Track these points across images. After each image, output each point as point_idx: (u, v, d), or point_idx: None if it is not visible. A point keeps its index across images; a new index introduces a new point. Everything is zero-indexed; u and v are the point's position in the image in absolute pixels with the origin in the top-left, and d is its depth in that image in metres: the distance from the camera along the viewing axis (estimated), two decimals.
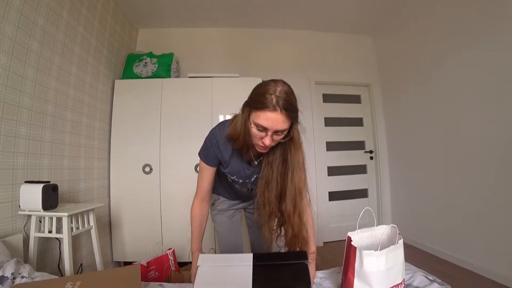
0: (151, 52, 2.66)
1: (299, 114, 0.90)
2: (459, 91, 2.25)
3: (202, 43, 3.13)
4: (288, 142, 0.95)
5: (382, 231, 0.92)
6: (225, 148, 1.04)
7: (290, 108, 0.83)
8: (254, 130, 0.87)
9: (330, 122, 3.27)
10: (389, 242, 0.90)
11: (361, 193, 3.30)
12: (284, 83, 0.87)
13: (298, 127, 0.96)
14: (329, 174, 3.20)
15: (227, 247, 1.37)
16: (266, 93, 0.82)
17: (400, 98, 2.99)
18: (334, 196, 3.21)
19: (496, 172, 1.96)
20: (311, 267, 1.00)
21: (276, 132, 0.85)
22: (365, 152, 3.31)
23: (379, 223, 0.94)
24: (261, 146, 0.91)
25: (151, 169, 2.36)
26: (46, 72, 1.61)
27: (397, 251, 0.84)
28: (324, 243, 3.01)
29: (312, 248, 1.05)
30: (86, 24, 2.05)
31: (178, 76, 2.77)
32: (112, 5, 2.48)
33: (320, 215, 3.02)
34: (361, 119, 3.37)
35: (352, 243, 0.85)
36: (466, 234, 2.20)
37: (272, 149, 0.98)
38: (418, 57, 2.70)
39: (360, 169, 3.31)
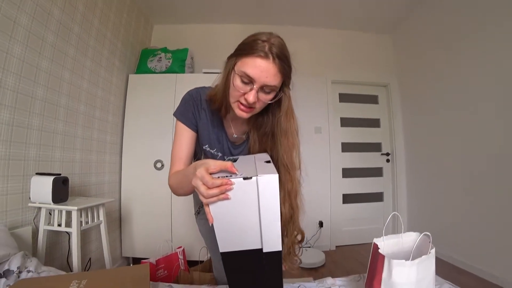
0: (166, 47, 2.63)
1: (291, 79, 0.77)
2: (481, 92, 2.11)
3: (217, 39, 3.08)
4: (278, 111, 0.79)
5: (411, 238, 0.84)
6: (206, 111, 0.86)
7: (284, 58, 0.70)
8: (237, 82, 0.70)
9: (346, 122, 3.17)
10: (417, 251, 0.82)
11: (376, 197, 3.18)
12: (278, 35, 0.74)
13: (291, 93, 0.80)
14: (343, 176, 3.10)
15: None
16: (257, 40, 0.69)
17: (420, 99, 2.85)
18: (348, 198, 3.10)
19: None
20: None
21: (263, 87, 0.70)
22: (382, 154, 3.19)
23: (393, 228, 0.87)
24: (241, 105, 0.73)
25: (162, 165, 2.33)
26: (60, 64, 1.60)
27: (429, 262, 0.76)
28: (336, 246, 2.92)
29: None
30: (102, 17, 2.04)
31: (192, 72, 2.73)
32: (128, 1, 2.46)
33: (333, 217, 2.93)
34: (378, 120, 3.25)
35: (379, 250, 0.78)
36: (486, 244, 2.07)
37: (259, 122, 0.82)
38: (438, 56, 2.57)
39: (376, 172, 3.20)
